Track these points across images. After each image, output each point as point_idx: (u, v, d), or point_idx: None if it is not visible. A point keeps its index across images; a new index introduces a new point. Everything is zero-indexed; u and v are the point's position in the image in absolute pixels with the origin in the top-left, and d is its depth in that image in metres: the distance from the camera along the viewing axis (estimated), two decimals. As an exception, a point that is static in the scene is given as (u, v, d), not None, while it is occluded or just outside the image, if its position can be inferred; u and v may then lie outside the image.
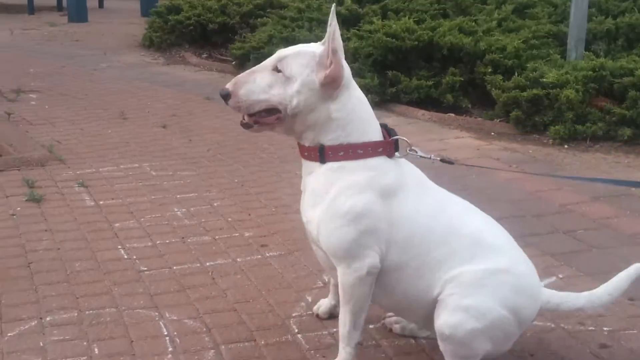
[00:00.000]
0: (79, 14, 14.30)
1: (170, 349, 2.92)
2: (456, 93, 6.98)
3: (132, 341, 2.98)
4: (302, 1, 9.50)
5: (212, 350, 2.91)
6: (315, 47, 2.57)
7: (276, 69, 2.53)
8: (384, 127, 2.65)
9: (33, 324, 3.13)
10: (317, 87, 2.50)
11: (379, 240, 2.54)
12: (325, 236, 2.57)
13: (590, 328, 3.02)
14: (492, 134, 6.34)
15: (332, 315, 3.09)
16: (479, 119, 6.71)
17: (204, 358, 2.86)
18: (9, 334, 3.04)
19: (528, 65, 6.62)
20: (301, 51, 2.55)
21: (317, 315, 3.15)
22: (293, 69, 2.51)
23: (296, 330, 3.07)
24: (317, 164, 2.59)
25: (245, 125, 2.63)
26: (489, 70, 6.78)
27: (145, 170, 5.36)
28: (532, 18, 7.96)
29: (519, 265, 2.61)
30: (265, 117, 2.57)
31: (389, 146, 2.59)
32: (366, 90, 7.14)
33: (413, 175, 2.64)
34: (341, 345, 2.68)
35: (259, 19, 9.74)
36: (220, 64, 9.67)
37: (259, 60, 2.71)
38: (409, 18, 7.67)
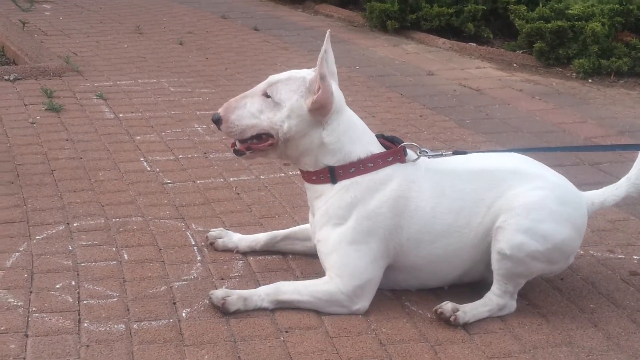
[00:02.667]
0: None
1: (199, 258, 2.92)
2: (478, 22, 6.86)
3: (161, 249, 2.98)
4: None
5: (241, 261, 2.91)
6: (307, 73, 2.58)
7: (266, 95, 2.56)
8: (381, 136, 2.68)
9: (60, 228, 3.12)
10: (306, 112, 2.52)
11: (389, 253, 2.57)
12: (340, 255, 2.55)
13: (620, 256, 3.02)
14: (514, 65, 6.25)
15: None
16: (501, 49, 6.61)
17: (234, 268, 2.86)
18: (37, 237, 3.04)
19: (553, -5, 6.47)
20: (292, 77, 2.58)
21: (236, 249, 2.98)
22: (282, 95, 2.54)
23: (324, 246, 3.06)
24: (328, 185, 2.59)
25: (237, 152, 2.65)
26: (513, -1, 6.64)
27: (164, 86, 5.30)
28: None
29: (557, 179, 2.65)
30: (258, 143, 2.59)
31: (398, 153, 2.60)
32: (386, 15, 7.06)
33: (426, 168, 2.63)
34: (261, 292, 2.58)
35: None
36: (236, -17, 9.45)
37: None
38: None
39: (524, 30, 6.29)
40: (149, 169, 3.82)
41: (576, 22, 6.01)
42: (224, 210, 3.37)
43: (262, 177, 3.77)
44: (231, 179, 3.73)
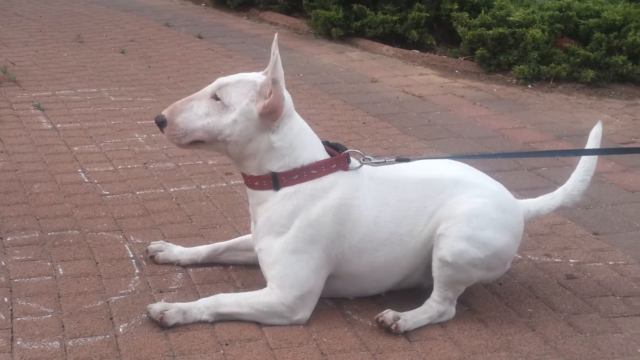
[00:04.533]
0: None
1: (137, 271, 2.87)
2: (421, 29, 6.91)
3: (97, 263, 2.92)
4: None
5: (180, 274, 2.86)
6: (257, 77, 2.54)
7: (215, 97, 2.49)
8: (326, 143, 2.65)
9: (-7, 243, 3.04)
10: (256, 117, 2.48)
11: (331, 263, 2.55)
12: (283, 264, 2.52)
13: (557, 260, 3.06)
14: (456, 71, 6.32)
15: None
16: (444, 56, 6.67)
17: (173, 280, 2.81)
18: (-33, 253, 2.94)
19: (495, 3, 6.58)
20: (242, 79, 2.52)
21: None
22: (232, 98, 2.48)
23: (265, 256, 3.04)
24: (270, 191, 2.55)
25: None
26: (455, 7, 6.72)
27: (104, 95, 5.21)
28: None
29: (496, 187, 2.69)
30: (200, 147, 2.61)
31: (341, 161, 2.58)
32: (331, 23, 7.07)
33: (370, 177, 2.62)
34: (200, 305, 2.54)
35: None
36: (180, -10, 9.38)
37: None
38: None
39: (466, 37, 6.37)
40: (86, 180, 3.74)
41: (517, 29, 6.10)
42: (163, 221, 3.32)
43: (203, 187, 3.73)
44: (172, 189, 3.67)
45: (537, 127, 4.90)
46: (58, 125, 4.53)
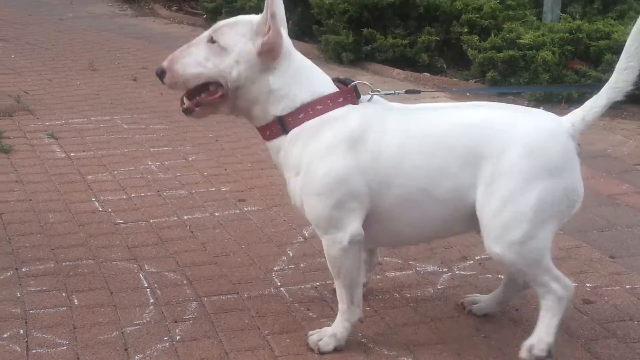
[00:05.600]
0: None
1: (151, 301, 2.87)
2: (432, 52, 6.93)
3: (112, 293, 2.92)
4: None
5: (195, 302, 2.86)
6: (253, 17, 2.44)
7: (211, 40, 2.40)
8: (336, 80, 2.52)
9: (9, 274, 3.04)
10: (255, 57, 2.38)
11: (361, 198, 2.41)
12: (308, 207, 2.45)
13: (573, 284, 3.03)
14: (467, 94, 6.31)
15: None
16: (454, 79, 6.68)
17: (187, 309, 2.81)
18: (-17, 285, 2.95)
19: (504, 26, 6.59)
20: (239, 20, 2.43)
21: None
22: (228, 39, 2.39)
23: (279, 284, 3.03)
24: (282, 137, 2.46)
25: (187, 111, 2.48)
26: (465, 30, 6.75)
27: (117, 123, 5.24)
28: (509, -22, 7.91)
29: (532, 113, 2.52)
30: (206, 97, 2.43)
31: (348, 94, 2.46)
32: (341, 47, 7.10)
33: (388, 108, 2.47)
34: (340, 318, 2.57)
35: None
36: (191, 17, 9.47)
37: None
38: (385, -25, 7.56)
39: (476, 60, 6.38)
40: (100, 209, 3.75)
41: (527, 51, 6.11)
42: (177, 249, 3.32)
43: (216, 214, 3.73)
44: (185, 217, 3.68)
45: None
46: (72, 154, 4.55)
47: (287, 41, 2.45)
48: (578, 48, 6.12)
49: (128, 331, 2.65)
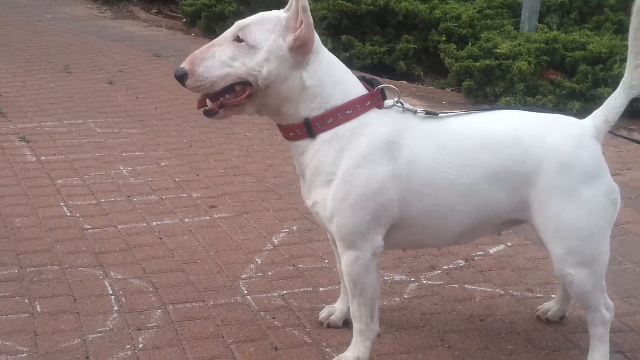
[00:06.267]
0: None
1: (115, 308, 2.84)
2: (409, 60, 6.95)
3: (76, 299, 2.89)
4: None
5: (160, 310, 2.84)
6: (280, 12, 2.34)
7: (237, 39, 2.29)
8: (362, 79, 2.45)
9: (-30, 280, 3.01)
10: (286, 52, 2.28)
11: (392, 208, 2.35)
12: (340, 218, 2.34)
13: (539, 295, 3.05)
14: (444, 102, 6.34)
15: (348, 322, 2.74)
16: (431, 87, 6.70)
17: (152, 317, 2.79)
18: (-56, 290, 2.91)
19: (482, 35, 6.62)
20: (265, 17, 2.32)
21: (328, 325, 2.77)
22: (257, 36, 2.28)
23: (245, 292, 3.02)
24: (307, 140, 2.36)
25: (208, 113, 2.36)
26: (443, 38, 6.76)
27: (90, 127, 5.20)
28: (487, -12, 7.95)
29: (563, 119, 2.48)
30: (232, 98, 2.32)
31: (376, 97, 2.38)
32: (319, 53, 7.08)
33: (413, 114, 2.41)
34: (358, 338, 2.48)
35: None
36: (170, 20, 9.41)
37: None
38: (364, -18, 7.57)
39: (453, 68, 6.40)
40: (69, 214, 3.72)
41: (504, 61, 6.13)
42: (145, 256, 3.30)
43: (186, 220, 3.71)
44: (154, 223, 3.65)
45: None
46: (42, 158, 4.51)
47: (316, 35, 2.36)
48: (554, 58, 6.16)
49: (90, 339, 2.63)
